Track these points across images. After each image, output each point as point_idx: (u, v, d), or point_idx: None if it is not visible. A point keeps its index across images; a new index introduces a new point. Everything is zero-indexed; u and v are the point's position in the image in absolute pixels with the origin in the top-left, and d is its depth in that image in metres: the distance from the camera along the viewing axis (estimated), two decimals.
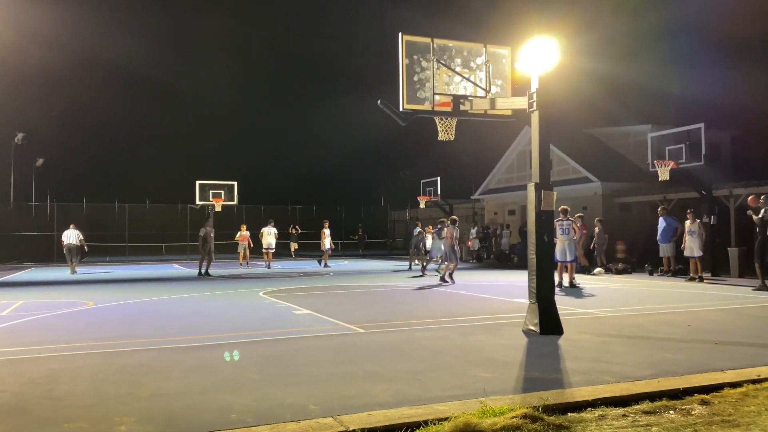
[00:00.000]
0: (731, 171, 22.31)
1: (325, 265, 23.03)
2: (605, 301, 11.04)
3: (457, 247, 15.45)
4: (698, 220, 15.30)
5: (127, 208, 31.87)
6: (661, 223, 16.65)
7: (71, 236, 20.47)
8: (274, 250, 23.38)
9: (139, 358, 6.29)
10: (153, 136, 61.03)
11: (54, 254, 28.03)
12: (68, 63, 48.13)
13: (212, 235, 19.09)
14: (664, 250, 16.74)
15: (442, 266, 16.58)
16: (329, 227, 23.82)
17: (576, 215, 17.64)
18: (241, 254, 23.18)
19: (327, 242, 23.27)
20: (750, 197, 13.07)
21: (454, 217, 17.63)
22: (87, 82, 54.39)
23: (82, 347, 6.91)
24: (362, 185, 52.24)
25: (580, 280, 15.13)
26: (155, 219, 35.10)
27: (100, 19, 57.89)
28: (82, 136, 53.41)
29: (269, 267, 22.47)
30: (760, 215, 12.35)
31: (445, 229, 15.74)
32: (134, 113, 62.11)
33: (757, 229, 12.49)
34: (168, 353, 6.56)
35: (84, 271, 21.01)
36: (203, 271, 18.52)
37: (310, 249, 34.62)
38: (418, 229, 24.54)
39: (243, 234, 23.04)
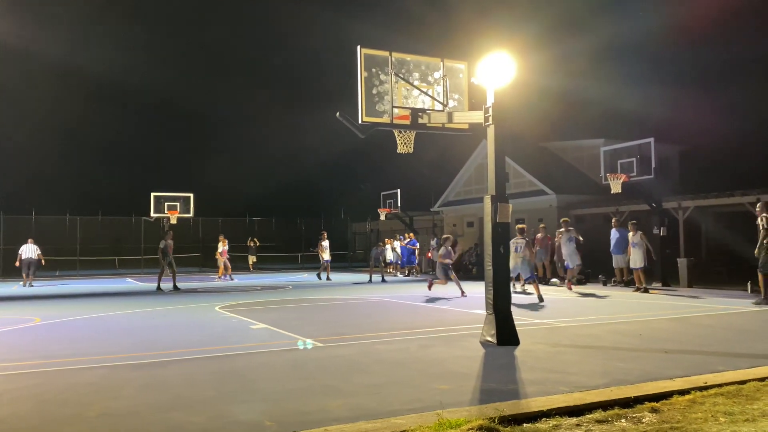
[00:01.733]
0: (680, 184, 23.16)
1: (327, 278, 22.06)
2: (560, 312, 11.24)
3: (450, 268, 15.06)
4: (639, 232, 15.58)
5: (79, 220, 30.95)
6: (614, 235, 17.07)
7: (30, 250, 20.67)
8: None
9: (87, 377, 6.08)
10: (106, 146, 59.65)
11: (0, 268, 26.95)
12: (16, 72, 46.67)
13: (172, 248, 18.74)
14: (618, 261, 17.17)
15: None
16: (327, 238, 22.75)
17: (540, 226, 17.98)
18: (221, 268, 23.33)
19: (326, 254, 22.28)
20: (759, 204, 12.42)
21: (448, 236, 17.01)
22: (36, 91, 52.79)
23: (27, 366, 6.63)
24: (322, 198, 52.01)
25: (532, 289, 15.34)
26: (108, 232, 34.19)
27: (50, 27, 56.41)
28: (32, 147, 51.75)
29: (220, 279, 23.06)
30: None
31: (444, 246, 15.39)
32: (86, 123, 60.62)
33: (766, 241, 11.75)
34: (118, 371, 6.35)
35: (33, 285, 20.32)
36: (170, 286, 18.10)
37: (269, 262, 34.24)
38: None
39: (225, 248, 23.24)
